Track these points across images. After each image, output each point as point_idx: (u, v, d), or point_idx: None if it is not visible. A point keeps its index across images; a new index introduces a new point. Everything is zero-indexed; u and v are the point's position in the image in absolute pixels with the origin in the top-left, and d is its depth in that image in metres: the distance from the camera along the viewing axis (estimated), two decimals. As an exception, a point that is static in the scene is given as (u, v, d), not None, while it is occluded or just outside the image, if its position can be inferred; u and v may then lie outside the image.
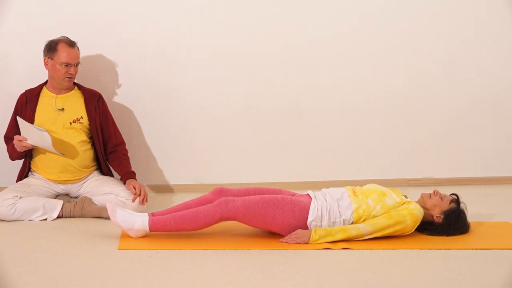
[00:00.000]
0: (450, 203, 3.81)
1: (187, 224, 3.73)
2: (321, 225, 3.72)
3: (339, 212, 3.75)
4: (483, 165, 5.14)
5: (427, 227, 3.81)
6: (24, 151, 4.29)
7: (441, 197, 3.83)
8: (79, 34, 4.54)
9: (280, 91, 4.96)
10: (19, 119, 4.19)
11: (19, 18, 4.71)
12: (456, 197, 3.85)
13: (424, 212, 3.81)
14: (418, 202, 3.87)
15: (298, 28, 4.90)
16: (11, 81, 4.75)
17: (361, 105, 4.99)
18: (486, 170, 5.14)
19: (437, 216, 3.80)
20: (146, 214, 3.80)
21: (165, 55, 4.88)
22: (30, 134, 4.17)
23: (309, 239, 3.65)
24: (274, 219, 3.70)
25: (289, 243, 3.67)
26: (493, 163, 5.14)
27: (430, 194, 3.86)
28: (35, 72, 4.57)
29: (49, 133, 4.12)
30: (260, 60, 4.93)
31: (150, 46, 4.86)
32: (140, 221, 3.74)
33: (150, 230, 3.75)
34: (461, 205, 3.83)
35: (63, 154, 4.26)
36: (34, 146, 4.22)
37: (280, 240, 3.73)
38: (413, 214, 3.71)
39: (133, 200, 4.22)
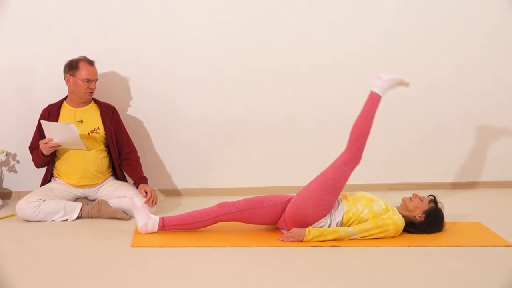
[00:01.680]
0: (429, 203, 3.85)
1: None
2: (323, 225, 3.75)
3: (332, 213, 3.78)
4: (457, 171, 5.13)
5: (410, 226, 3.83)
6: (48, 156, 4.28)
7: (421, 199, 3.86)
8: (96, 53, 4.53)
9: (276, 105, 4.95)
10: (43, 122, 4.18)
11: (42, 39, 4.72)
12: (433, 198, 3.89)
13: (406, 214, 3.84)
14: (401, 205, 3.90)
15: (291, 50, 4.88)
16: (35, 97, 4.74)
17: (347, 117, 4.81)
18: (459, 176, 5.13)
19: (419, 216, 3.82)
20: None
21: (173, 73, 4.86)
22: (56, 133, 4.16)
23: (304, 238, 3.67)
24: (318, 188, 3.73)
25: (285, 241, 3.69)
26: (466, 170, 5.13)
27: (410, 197, 3.89)
28: (56, 88, 4.58)
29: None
30: (259, 78, 4.91)
31: (160, 64, 4.84)
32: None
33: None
34: (439, 204, 3.87)
35: (86, 147, 4.27)
36: (60, 145, 4.22)
37: (279, 238, 3.74)
38: (396, 224, 3.74)
39: (146, 203, 4.19)
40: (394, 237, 3.75)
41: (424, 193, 4.02)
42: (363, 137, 3.80)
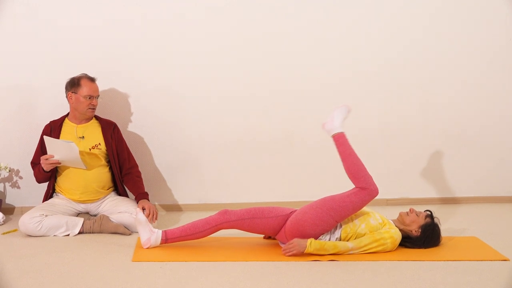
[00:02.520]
0: (425, 218, 3.84)
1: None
2: (325, 238, 3.74)
3: (332, 231, 3.77)
4: (452, 186, 5.14)
5: (407, 241, 3.82)
6: (49, 172, 4.29)
7: (417, 214, 3.85)
8: (98, 72, 4.54)
9: (275, 123, 4.98)
10: (46, 137, 4.18)
11: (45, 58, 4.74)
12: (430, 213, 3.87)
13: (403, 229, 3.84)
14: (397, 219, 3.89)
15: (291, 70, 4.92)
16: (37, 114, 4.75)
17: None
18: (454, 191, 5.15)
19: (415, 231, 3.81)
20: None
21: (174, 90, 4.88)
22: (57, 149, 4.16)
23: (305, 250, 3.65)
24: (321, 208, 3.71)
25: (286, 253, 3.67)
26: (460, 185, 5.15)
27: (407, 212, 3.87)
28: (58, 106, 4.61)
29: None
30: (259, 96, 4.94)
31: (160, 82, 4.86)
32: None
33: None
34: (435, 219, 3.86)
35: (86, 167, 4.27)
36: (60, 162, 4.22)
37: (281, 250, 3.73)
38: (393, 237, 3.73)
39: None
40: (391, 250, 3.74)
41: (420, 208, 4.01)
42: (359, 173, 3.76)
